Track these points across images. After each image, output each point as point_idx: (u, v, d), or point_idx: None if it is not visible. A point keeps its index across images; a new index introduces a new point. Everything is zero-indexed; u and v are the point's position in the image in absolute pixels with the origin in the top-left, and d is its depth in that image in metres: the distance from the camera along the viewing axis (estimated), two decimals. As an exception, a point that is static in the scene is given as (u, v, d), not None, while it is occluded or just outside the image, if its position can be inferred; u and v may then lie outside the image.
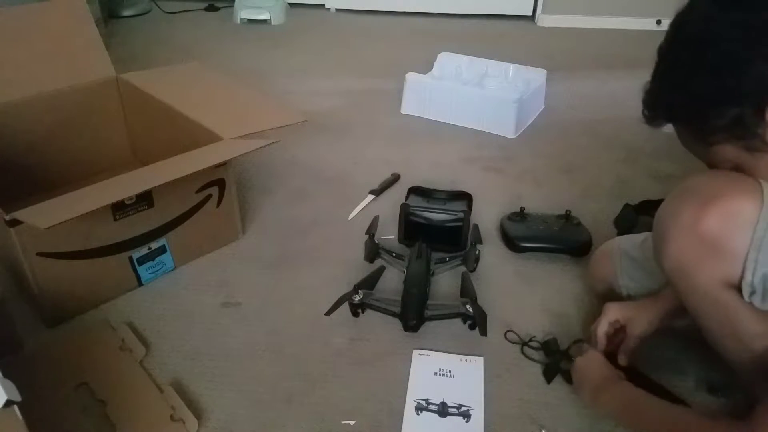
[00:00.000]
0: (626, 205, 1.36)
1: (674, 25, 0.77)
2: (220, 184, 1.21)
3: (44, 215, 0.88)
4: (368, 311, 1.10)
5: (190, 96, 1.32)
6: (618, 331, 0.98)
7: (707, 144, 0.78)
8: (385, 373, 1.00)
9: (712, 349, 0.81)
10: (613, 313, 0.97)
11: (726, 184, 0.75)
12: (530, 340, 1.05)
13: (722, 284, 0.74)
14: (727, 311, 0.75)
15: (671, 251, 0.77)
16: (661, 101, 0.81)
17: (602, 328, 0.97)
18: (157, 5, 2.92)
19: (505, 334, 1.06)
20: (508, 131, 1.80)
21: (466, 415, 0.92)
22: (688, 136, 0.82)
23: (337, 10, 3.00)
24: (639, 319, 0.95)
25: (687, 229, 0.74)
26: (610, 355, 0.98)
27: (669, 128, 0.84)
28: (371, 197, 1.47)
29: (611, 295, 1.07)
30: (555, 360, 1.00)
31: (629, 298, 1.03)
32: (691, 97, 0.77)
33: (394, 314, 1.07)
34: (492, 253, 1.28)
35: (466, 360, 1.02)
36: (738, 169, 0.77)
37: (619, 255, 1.06)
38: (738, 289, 0.73)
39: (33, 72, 1.30)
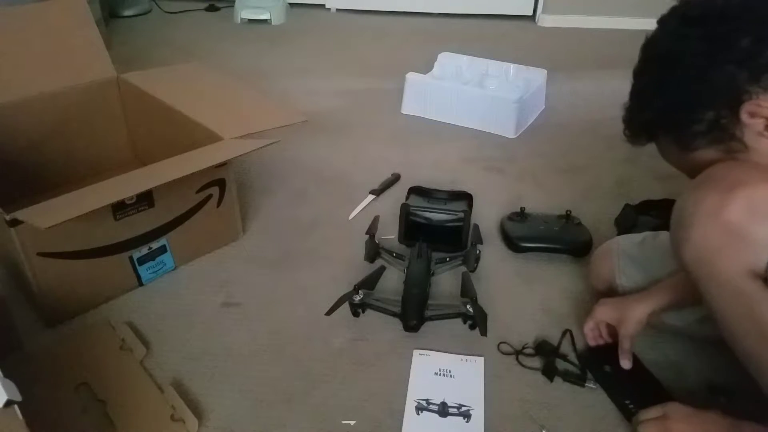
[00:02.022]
0: (627, 205, 1.36)
1: (645, 45, 0.82)
2: (221, 184, 1.21)
3: (44, 215, 0.88)
4: (368, 311, 1.10)
5: (190, 96, 1.32)
6: (610, 326, 1.01)
7: (689, 151, 0.80)
8: (385, 373, 1.00)
9: (712, 349, 0.81)
10: (600, 314, 1.01)
11: (748, 172, 0.74)
12: (524, 348, 1.04)
13: (746, 273, 0.72)
14: (750, 302, 0.72)
15: (693, 240, 0.75)
16: (640, 118, 0.85)
17: (587, 326, 1.02)
18: (157, 5, 2.92)
19: (498, 346, 1.05)
20: (509, 131, 1.80)
21: (467, 415, 0.92)
22: (670, 149, 0.84)
23: (337, 10, 3.00)
24: (628, 321, 0.96)
25: (710, 216, 0.73)
26: (610, 348, 0.99)
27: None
28: (371, 197, 1.47)
29: (611, 294, 1.07)
30: (551, 360, 1.00)
31: None
32: (667, 107, 0.80)
33: (394, 314, 1.07)
34: (492, 253, 1.28)
35: (466, 360, 1.02)
36: None
37: (618, 254, 1.07)
38: (763, 279, 0.71)
39: (33, 72, 1.30)
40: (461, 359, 1.02)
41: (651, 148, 0.88)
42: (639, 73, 0.84)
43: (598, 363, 0.99)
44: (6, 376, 0.67)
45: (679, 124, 0.80)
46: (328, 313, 1.08)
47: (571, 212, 1.32)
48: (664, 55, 0.80)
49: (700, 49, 0.75)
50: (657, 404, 0.88)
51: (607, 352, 1.00)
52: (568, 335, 1.04)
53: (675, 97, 0.79)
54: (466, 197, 1.39)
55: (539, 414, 0.93)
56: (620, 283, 1.05)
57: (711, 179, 0.76)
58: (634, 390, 0.94)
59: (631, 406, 0.91)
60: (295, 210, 1.42)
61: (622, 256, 1.06)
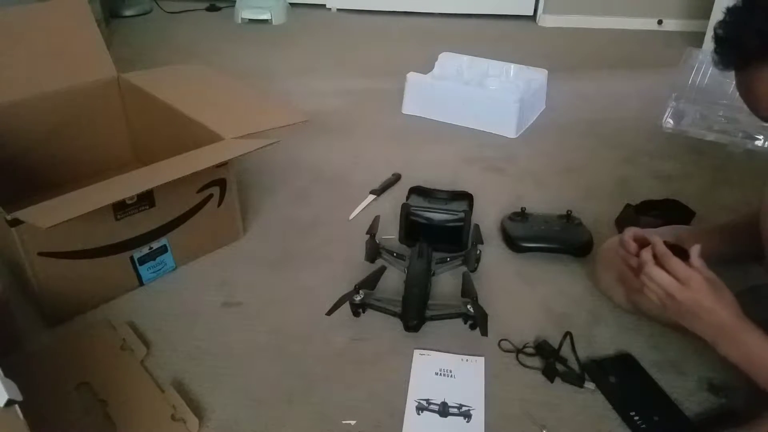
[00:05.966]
0: (627, 205, 1.36)
1: None
2: (221, 183, 1.21)
3: (45, 215, 0.88)
4: (369, 311, 1.10)
5: (191, 96, 1.32)
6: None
7: None
8: (385, 373, 1.00)
9: (712, 349, 0.80)
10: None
11: None
12: (524, 347, 1.04)
13: None
14: None
15: None
16: (751, 30, 0.68)
17: (627, 233, 0.90)
18: (158, 5, 2.92)
19: (499, 343, 1.05)
20: (509, 131, 1.80)
21: (467, 415, 0.92)
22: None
23: (338, 9, 3.00)
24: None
25: None
26: (615, 359, 0.99)
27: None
28: (372, 197, 1.47)
29: (619, 287, 1.06)
30: (551, 362, 1.00)
31: None
32: None
33: (395, 314, 1.07)
34: (493, 253, 1.28)
35: (466, 360, 1.02)
36: None
37: None
38: None
39: (34, 72, 1.30)
40: (462, 359, 1.02)
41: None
42: None
43: (603, 374, 0.98)
44: (6, 375, 0.67)
45: None
46: (329, 313, 1.08)
47: (571, 212, 1.32)
48: None
49: None
50: (662, 416, 0.89)
51: (613, 363, 1.00)
52: (568, 338, 1.04)
53: None
54: (466, 197, 1.39)
55: (539, 414, 0.93)
56: None
57: None
58: (639, 401, 0.93)
59: (636, 417, 0.90)
60: (296, 210, 1.43)
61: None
